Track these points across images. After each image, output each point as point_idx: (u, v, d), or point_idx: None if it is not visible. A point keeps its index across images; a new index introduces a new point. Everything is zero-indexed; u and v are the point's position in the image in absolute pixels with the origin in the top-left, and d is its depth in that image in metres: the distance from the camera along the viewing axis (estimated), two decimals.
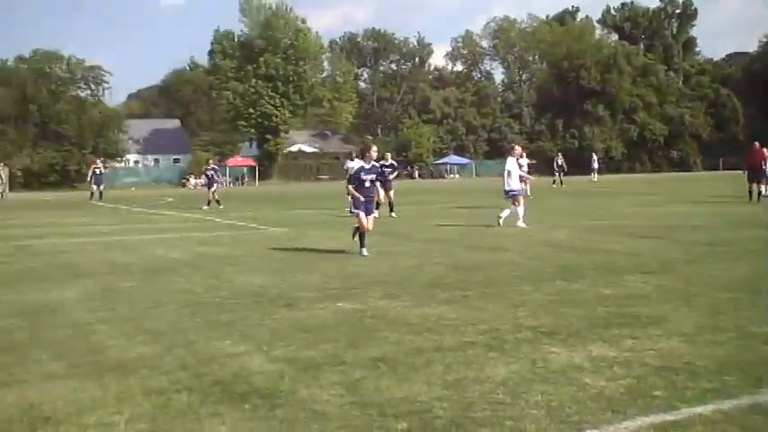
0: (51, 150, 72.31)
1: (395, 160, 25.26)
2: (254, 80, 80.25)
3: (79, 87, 79.41)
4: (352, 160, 28.10)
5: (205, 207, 27.95)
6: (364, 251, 12.43)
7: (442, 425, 4.37)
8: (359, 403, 4.79)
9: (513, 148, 18.78)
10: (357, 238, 12.72)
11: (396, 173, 23.53)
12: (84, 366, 5.84)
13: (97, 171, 40.40)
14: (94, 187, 39.92)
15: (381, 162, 24.21)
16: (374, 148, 13.22)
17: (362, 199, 12.59)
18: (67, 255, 13.69)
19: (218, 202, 28.54)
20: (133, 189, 66.77)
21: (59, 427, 4.50)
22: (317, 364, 5.73)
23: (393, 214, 21.41)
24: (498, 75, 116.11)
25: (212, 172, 30.55)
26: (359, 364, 5.72)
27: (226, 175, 77.84)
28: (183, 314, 7.87)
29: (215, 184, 30.04)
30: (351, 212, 13.05)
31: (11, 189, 56.08)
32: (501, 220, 17.04)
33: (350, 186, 12.77)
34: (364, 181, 12.65)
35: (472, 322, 7.05)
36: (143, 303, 8.53)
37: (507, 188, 17.35)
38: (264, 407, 4.78)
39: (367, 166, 12.84)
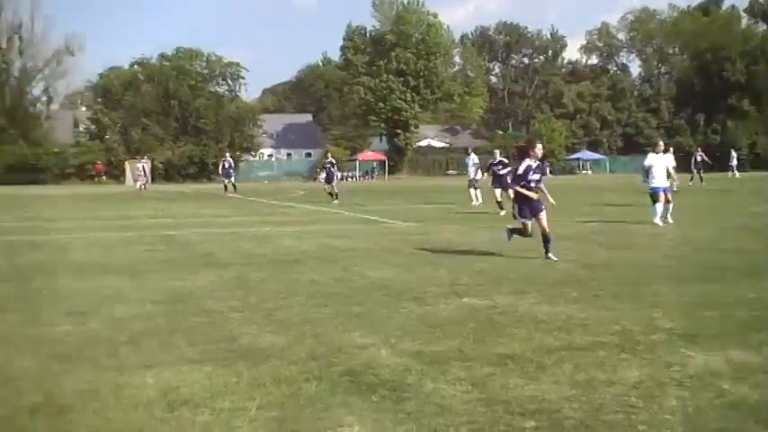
0: (190, 144, 75.25)
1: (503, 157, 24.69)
2: (385, 75, 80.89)
3: (217, 84, 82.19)
4: (468, 155, 28.00)
5: (336, 201, 28.40)
6: (551, 256, 11.25)
7: (572, 425, 4.26)
8: (485, 400, 4.74)
9: (656, 144, 18.10)
10: (507, 235, 12.07)
11: (508, 169, 23.01)
12: (219, 353, 6.04)
13: (226, 164, 41.50)
14: (225, 180, 41.06)
15: (490, 160, 23.93)
16: (539, 145, 12.07)
17: (536, 197, 11.62)
18: (204, 245, 14.20)
19: (335, 195, 28.98)
20: (266, 182, 68.66)
21: (196, 410, 4.66)
22: (443, 359, 5.71)
23: (502, 213, 20.79)
24: (635, 68, 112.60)
25: (329, 165, 30.92)
26: (486, 360, 5.66)
27: (356, 170, 79.05)
28: (312, 305, 8.01)
29: (335, 178, 30.45)
30: (515, 217, 11.91)
31: (152, 181, 58.84)
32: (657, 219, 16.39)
33: (517, 187, 11.70)
34: (531, 181, 11.60)
35: (603, 322, 6.86)
36: (274, 294, 8.74)
37: (650, 185, 16.76)
38: (391, 399, 4.80)
39: (534, 165, 11.69)
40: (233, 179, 40.91)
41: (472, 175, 26.42)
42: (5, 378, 5.42)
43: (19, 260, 12.24)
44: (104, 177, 68.98)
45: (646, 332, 6.43)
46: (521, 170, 11.78)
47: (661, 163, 17.18)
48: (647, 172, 16.79)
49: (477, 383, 5.09)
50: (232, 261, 11.80)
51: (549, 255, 11.30)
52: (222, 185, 40.93)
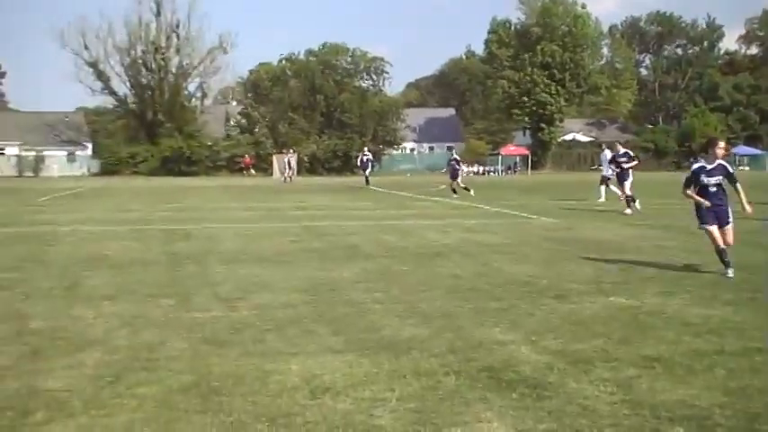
0: (335, 138, 76.78)
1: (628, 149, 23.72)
2: (529, 68, 79.75)
3: (362, 78, 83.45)
4: (602, 151, 27.14)
5: (455, 196, 28.32)
6: (729, 272, 9.34)
7: None
8: (631, 402, 4.59)
9: None
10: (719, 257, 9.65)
11: (634, 162, 22.01)
12: (360, 343, 6.13)
13: (364, 158, 41.95)
14: (362, 172, 41.52)
15: (612, 154, 22.99)
16: (721, 143, 10.06)
17: (707, 205, 9.74)
18: (347, 237, 14.45)
19: (458, 191, 28.88)
20: (408, 175, 69.14)
21: (337, 398, 4.76)
22: (587, 359, 5.57)
23: (628, 210, 19.98)
24: None
25: (454, 162, 30.79)
26: (632, 361, 5.48)
27: (498, 164, 78.37)
28: (453, 299, 8.01)
29: (460, 174, 30.29)
30: (700, 227, 10.00)
31: (298, 173, 60.46)
32: None
33: (688, 191, 10.09)
34: (707, 185, 9.82)
35: (760, 327, 6.50)
36: (416, 286, 8.79)
37: None
38: (532, 397, 4.73)
39: (709, 167, 9.84)
40: (367, 172, 41.20)
41: (605, 172, 25.73)
42: (162, 359, 5.71)
43: (173, 248, 12.85)
44: (252, 171, 71.33)
45: None
46: (691, 172, 10.15)
47: None
48: None
49: (622, 385, 4.94)
50: (375, 253, 11.95)
51: (728, 272, 9.37)
52: (364, 179, 41.44)
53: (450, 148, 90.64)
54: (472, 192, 28.66)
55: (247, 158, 72.54)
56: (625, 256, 11.28)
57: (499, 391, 4.86)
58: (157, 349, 6.00)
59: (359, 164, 42.98)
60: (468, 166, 77.24)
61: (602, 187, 25.49)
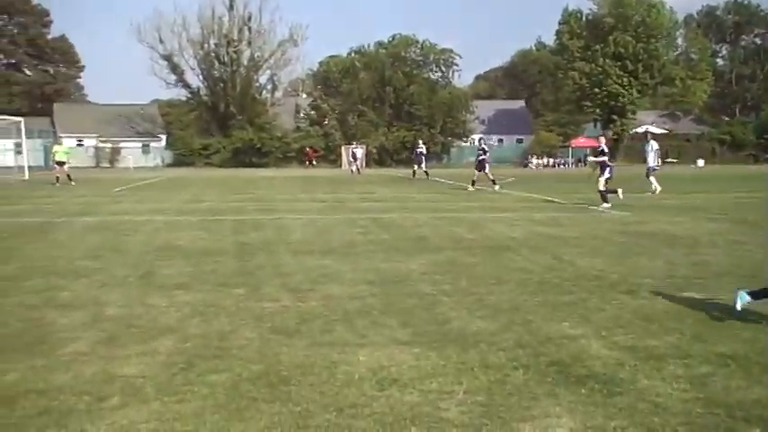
0: (403, 130, 76.79)
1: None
2: (601, 59, 78.35)
3: (431, 70, 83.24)
4: (647, 141, 26.59)
5: (496, 187, 28.04)
6: None
7: None
8: (704, 401, 4.49)
9: None
10: None
11: (602, 158, 21.12)
12: (428, 335, 6.13)
13: (418, 151, 41.72)
14: (415, 166, 41.24)
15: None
16: None
17: None
18: (416, 229, 14.44)
19: (493, 182, 28.61)
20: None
21: (404, 390, 4.76)
22: (659, 355, 5.46)
23: (606, 205, 19.38)
24: None
25: (481, 153, 30.26)
26: (705, 358, 5.36)
27: (568, 156, 77.37)
28: (522, 292, 7.94)
29: (487, 165, 29.70)
30: None
31: (367, 165, 60.66)
32: None
33: None
34: None
35: None
36: (485, 279, 8.74)
37: None
38: (602, 393, 4.66)
39: None
40: (424, 166, 40.81)
41: (651, 163, 25.24)
42: (232, 347, 5.80)
43: (244, 238, 13.04)
44: (315, 162, 71.62)
45: None
46: None
47: None
48: None
49: (696, 383, 4.83)
50: (444, 245, 11.92)
51: None
52: (422, 172, 40.86)
53: (520, 141, 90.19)
54: (497, 187, 28.20)
55: (309, 151, 73.00)
56: (699, 251, 11.02)
57: (568, 386, 4.80)
58: (228, 338, 6.10)
59: (413, 157, 42.80)
60: (537, 159, 76.62)
61: (652, 178, 25.13)
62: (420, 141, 45.49)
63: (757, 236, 12.80)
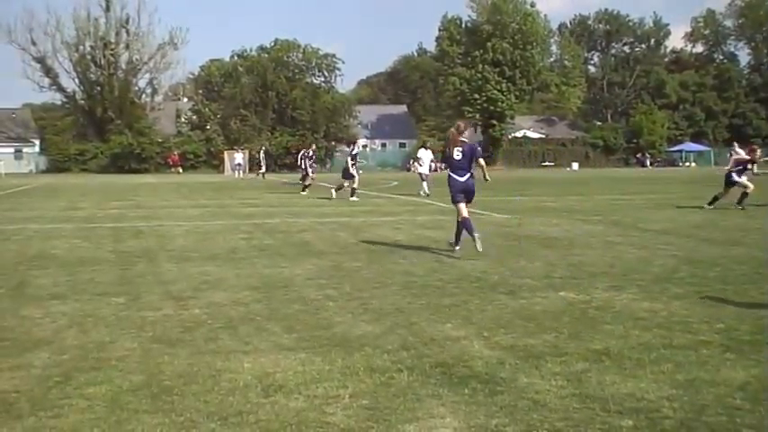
0: (287, 135, 76.45)
1: None
2: (480, 65, 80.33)
3: (314, 75, 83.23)
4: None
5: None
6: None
7: (672, 426, 4.14)
8: (581, 396, 4.65)
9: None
10: None
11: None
12: (313, 340, 6.11)
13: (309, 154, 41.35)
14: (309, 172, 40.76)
15: None
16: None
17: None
18: (300, 234, 14.40)
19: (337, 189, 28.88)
20: (360, 172, 69.10)
21: (290, 396, 4.73)
22: (537, 353, 5.63)
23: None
24: (744, 56, 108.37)
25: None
26: (582, 356, 5.56)
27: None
28: (406, 295, 8.03)
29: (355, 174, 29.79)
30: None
31: (250, 170, 60.03)
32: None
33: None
34: None
35: (707, 320, 6.63)
36: (369, 283, 8.79)
37: None
38: (484, 392, 4.76)
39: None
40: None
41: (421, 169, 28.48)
42: (112, 358, 5.62)
43: (123, 246, 12.67)
44: (180, 170, 70.07)
45: (753, 332, 6.20)
46: None
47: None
48: None
49: (573, 379, 5.00)
50: (328, 250, 11.93)
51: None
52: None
53: (402, 145, 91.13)
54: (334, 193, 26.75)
55: (174, 156, 71.63)
56: (575, 252, 11.42)
57: (452, 386, 4.89)
58: (107, 349, 5.91)
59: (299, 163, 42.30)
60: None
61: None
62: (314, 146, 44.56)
63: (630, 236, 13.40)
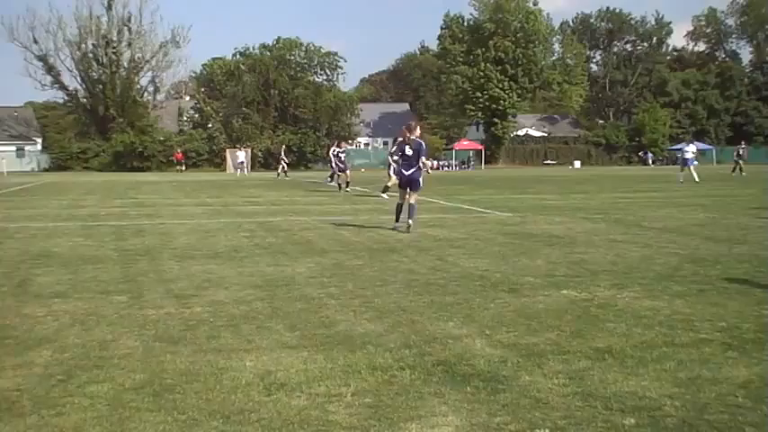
0: (289, 133, 76.45)
1: None
2: (482, 64, 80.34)
3: (316, 73, 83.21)
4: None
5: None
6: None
7: (674, 424, 4.13)
8: (583, 394, 4.65)
9: None
10: None
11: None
12: (315, 339, 6.11)
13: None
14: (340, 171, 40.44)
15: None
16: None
17: None
18: (302, 232, 14.39)
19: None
20: (363, 170, 69.19)
21: (292, 394, 4.73)
22: (540, 352, 5.63)
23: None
24: (746, 54, 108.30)
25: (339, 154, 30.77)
26: (584, 354, 5.56)
27: (452, 159, 78.74)
28: (408, 293, 8.03)
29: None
30: None
31: (252, 168, 60.08)
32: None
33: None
34: None
35: (709, 318, 6.63)
36: (371, 281, 8.79)
37: None
38: (486, 390, 4.76)
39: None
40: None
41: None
42: (114, 356, 5.63)
43: (126, 244, 12.68)
44: (184, 167, 70.13)
45: (755, 330, 6.19)
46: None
47: None
48: None
49: (575, 377, 5.00)
50: (330, 248, 11.92)
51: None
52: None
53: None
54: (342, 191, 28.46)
55: (179, 154, 71.64)
56: (577, 250, 11.41)
57: (454, 384, 4.89)
58: (109, 347, 5.92)
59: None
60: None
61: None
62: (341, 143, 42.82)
63: (633, 234, 13.39)
